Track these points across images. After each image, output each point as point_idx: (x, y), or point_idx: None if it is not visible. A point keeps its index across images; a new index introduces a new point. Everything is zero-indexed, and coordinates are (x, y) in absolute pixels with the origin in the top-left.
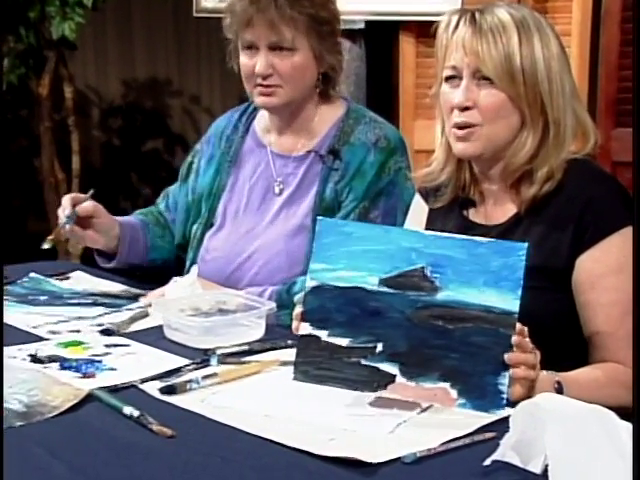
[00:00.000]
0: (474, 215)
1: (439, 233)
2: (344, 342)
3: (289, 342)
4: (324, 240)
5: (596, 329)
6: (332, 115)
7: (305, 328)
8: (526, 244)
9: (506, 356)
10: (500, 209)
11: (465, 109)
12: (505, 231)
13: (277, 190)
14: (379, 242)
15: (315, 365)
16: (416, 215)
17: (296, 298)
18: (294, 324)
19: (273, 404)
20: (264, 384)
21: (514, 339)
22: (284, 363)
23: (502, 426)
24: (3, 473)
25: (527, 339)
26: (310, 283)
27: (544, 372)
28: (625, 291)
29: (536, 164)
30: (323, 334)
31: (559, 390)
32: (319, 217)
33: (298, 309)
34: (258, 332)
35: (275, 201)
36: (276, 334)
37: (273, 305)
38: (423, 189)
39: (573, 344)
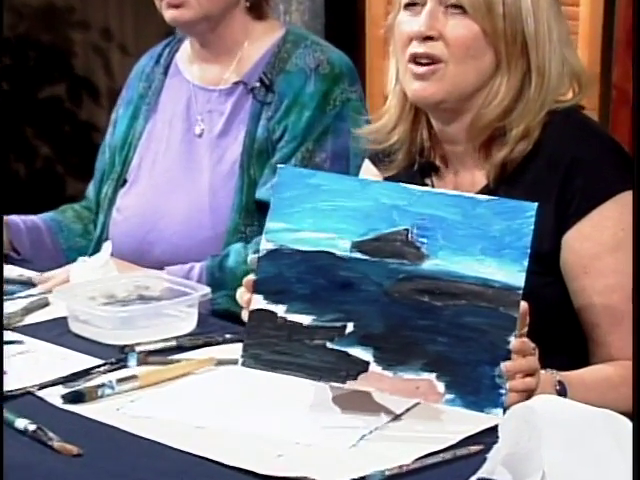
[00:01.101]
0: (439, 184)
1: (428, 188)
2: (306, 320)
3: (228, 336)
4: (285, 194)
5: (596, 321)
6: (266, 38)
7: (258, 301)
8: (536, 204)
9: (503, 365)
10: (469, 176)
11: (427, 39)
12: None
13: (198, 131)
14: (353, 197)
15: (269, 348)
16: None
17: (249, 258)
18: (243, 296)
19: (207, 413)
20: (196, 388)
21: (514, 344)
22: (221, 362)
23: (490, 437)
24: (3, 472)
25: (526, 340)
26: (266, 245)
27: (542, 371)
28: (626, 273)
29: (510, 121)
30: (280, 309)
31: (561, 392)
32: (280, 165)
33: (250, 277)
34: (188, 324)
35: (196, 145)
36: (211, 326)
37: (207, 290)
38: (373, 153)
39: (568, 336)
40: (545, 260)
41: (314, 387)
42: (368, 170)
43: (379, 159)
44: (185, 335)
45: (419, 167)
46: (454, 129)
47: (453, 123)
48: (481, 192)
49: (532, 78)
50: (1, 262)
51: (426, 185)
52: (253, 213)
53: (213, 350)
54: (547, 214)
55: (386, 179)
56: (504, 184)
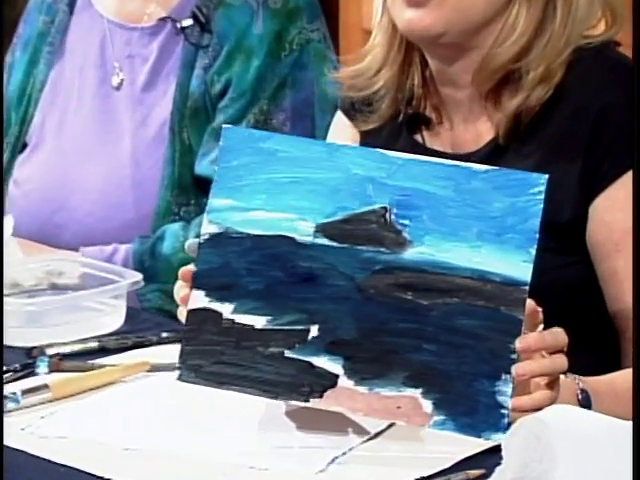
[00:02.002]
0: (432, 139)
1: (412, 155)
2: (259, 322)
3: (164, 335)
4: (232, 162)
5: (630, 313)
6: None
7: (198, 299)
8: (546, 176)
9: (513, 368)
10: (472, 130)
11: None
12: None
13: (115, 82)
14: (318, 167)
15: (213, 357)
16: (338, 139)
17: (187, 244)
18: (180, 291)
19: (137, 432)
20: (123, 401)
21: (519, 343)
22: (156, 368)
23: (492, 458)
24: (3, 471)
25: (540, 330)
26: (208, 228)
27: (562, 376)
28: None
29: (528, 61)
30: (226, 309)
31: (585, 403)
32: (225, 126)
33: (189, 268)
34: (114, 320)
35: (114, 100)
36: (143, 322)
37: (138, 277)
38: (347, 102)
39: (595, 331)
40: (567, 234)
41: (268, 407)
42: (340, 124)
43: (355, 109)
44: (110, 334)
45: (406, 119)
46: (457, 70)
47: (456, 62)
48: (486, 149)
49: (557, 7)
50: (1, 261)
51: (415, 142)
52: (189, 190)
53: (145, 353)
54: (571, 177)
55: (364, 135)
56: (516, 140)
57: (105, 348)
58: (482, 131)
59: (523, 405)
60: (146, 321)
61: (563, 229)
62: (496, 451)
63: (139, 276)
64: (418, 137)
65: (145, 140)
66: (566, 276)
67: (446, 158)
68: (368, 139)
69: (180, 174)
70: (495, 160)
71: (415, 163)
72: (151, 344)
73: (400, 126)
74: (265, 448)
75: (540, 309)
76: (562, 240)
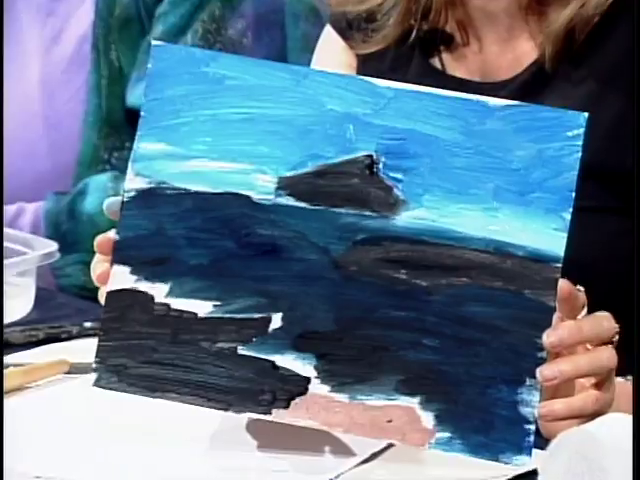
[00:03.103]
0: (454, 64)
1: (407, 85)
2: (203, 309)
3: (87, 325)
4: (165, 92)
5: None
6: None
7: (120, 277)
8: (586, 114)
9: (539, 371)
10: (508, 51)
11: None
12: (515, 96)
13: None
14: (280, 100)
15: (141, 356)
16: (326, 66)
17: (106, 203)
18: (96, 267)
19: (52, 455)
20: (33, 414)
21: (547, 337)
22: (76, 369)
23: None
24: (3, 470)
25: (583, 317)
26: (134, 183)
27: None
28: None
29: None
30: (159, 291)
31: None
32: (154, 42)
33: (108, 235)
34: (21, 305)
35: (14, 12)
36: (60, 308)
37: (52, 246)
38: (341, 17)
39: None
40: (628, 186)
41: (218, 421)
42: (331, 44)
43: (352, 26)
44: (14, 324)
45: (420, 38)
46: None
47: None
48: (525, 76)
49: None
50: (1, 261)
51: (431, 68)
52: (121, 128)
53: (63, 348)
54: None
55: (363, 59)
56: (567, 63)
57: (8, 342)
58: (521, 53)
59: (556, 411)
60: (63, 306)
61: (622, 177)
62: (522, 479)
63: (53, 245)
64: (435, 61)
65: (59, 64)
66: (622, 247)
67: (472, 88)
68: (368, 65)
69: (109, 108)
70: (537, 90)
71: (411, 95)
72: (70, 337)
73: (411, 48)
74: (216, 475)
75: (581, 289)
76: (618, 196)
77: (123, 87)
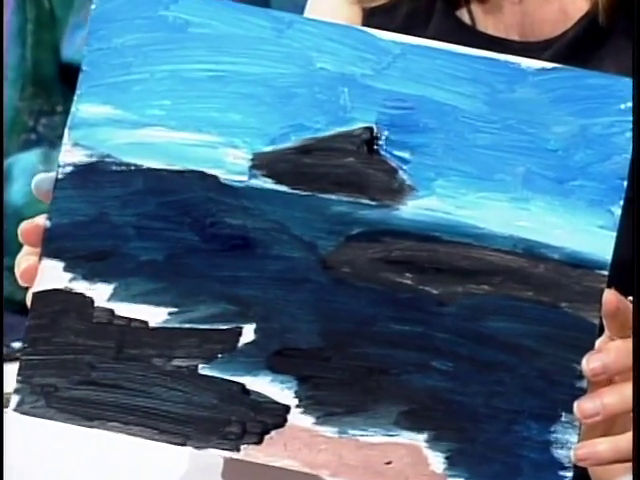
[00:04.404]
0: (487, 19)
1: (415, 39)
2: (156, 317)
3: (15, 346)
4: (112, 42)
5: None
6: None
7: (50, 275)
8: (629, 80)
9: (577, 404)
10: (553, 3)
11: None
12: (563, 57)
13: None
14: (256, 54)
15: (75, 374)
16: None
17: (35, 180)
18: (22, 262)
19: None
20: None
21: (588, 363)
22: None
23: None
24: (3, 471)
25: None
26: (70, 155)
27: None
28: None
29: None
30: (100, 293)
31: None
32: None
33: (36, 221)
34: None
35: None
36: None
37: None
38: None
39: None
40: None
41: (173, 459)
42: None
43: None
44: None
45: None
46: None
47: None
48: (574, 33)
49: None
50: (1, 261)
51: (459, 24)
52: (52, 88)
53: None
54: None
55: (369, 14)
56: (626, 19)
57: None
58: (570, 5)
59: (599, 453)
60: None
61: None
62: None
63: None
64: (463, 14)
65: None
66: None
67: (509, 49)
68: (376, 22)
69: (36, 60)
70: (589, 50)
71: (423, 52)
72: None
73: (432, 2)
74: None
75: (627, 301)
76: None
77: (55, 35)
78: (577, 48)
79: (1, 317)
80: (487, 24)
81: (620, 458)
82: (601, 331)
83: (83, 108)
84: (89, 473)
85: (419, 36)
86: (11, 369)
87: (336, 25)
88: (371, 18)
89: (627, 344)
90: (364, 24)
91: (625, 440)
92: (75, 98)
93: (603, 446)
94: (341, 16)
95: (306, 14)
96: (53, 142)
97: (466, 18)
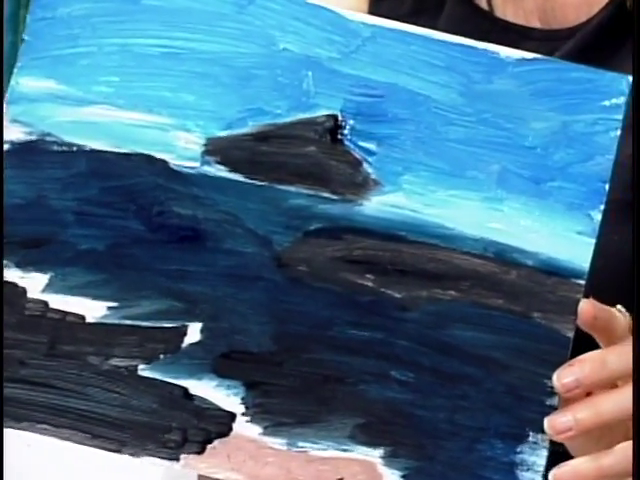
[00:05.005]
0: (506, 5)
1: (387, 22)
2: (93, 311)
3: None
4: (59, 10)
5: None
6: None
7: None
8: (629, 77)
9: (547, 421)
10: None
11: None
12: (587, 45)
13: None
14: (214, 31)
15: (5, 371)
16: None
17: None
18: None
19: None
20: None
21: (558, 378)
22: None
23: None
24: (3, 472)
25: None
26: (7, 133)
27: None
28: None
29: None
30: (34, 283)
31: None
32: None
33: None
34: None
35: None
36: None
37: None
38: None
39: None
40: None
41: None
42: None
43: None
44: None
45: None
46: None
47: None
48: (600, 20)
49: None
50: (1, 261)
51: (475, 9)
52: None
53: None
54: None
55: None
56: None
57: None
58: None
59: (581, 472)
60: None
61: None
62: None
63: None
64: (482, 2)
65: None
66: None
67: (529, 37)
68: (382, 6)
69: None
70: (617, 39)
71: (395, 36)
72: None
73: None
74: None
75: (622, 310)
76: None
77: None
78: (603, 36)
79: (1, 315)
80: (506, 10)
81: (603, 476)
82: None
83: (23, 82)
84: (89, 473)
85: (431, 22)
86: None
87: (302, 3)
88: (380, 2)
89: (600, 354)
90: (372, 10)
91: (607, 456)
92: (15, 70)
93: (586, 465)
94: (347, 1)
95: None
96: None
97: (483, 3)
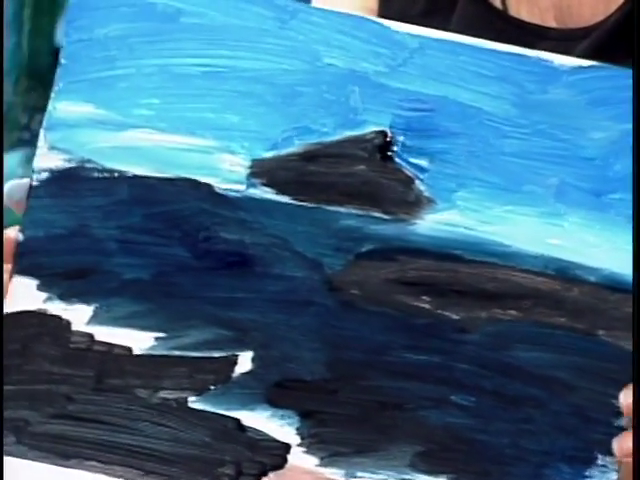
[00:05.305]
0: (521, 5)
1: (436, 32)
2: (140, 343)
3: None
4: (95, 31)
5: None
6: None
7: (24, 293)
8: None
9: (615, 442)
10: None
11: None
12: (604, 46)
13: None
14: (255, 47)
15: (50, 407)
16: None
17: (7, 187)
18: None
19: None
20: None
21: (625, 397)
22: None
23: None
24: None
25: None
26: (46, 160)
27: None
28: None
29: None
30: (78, 315)
31: None
32: None
33: (8, 233)
34: None
35: None
36: None
37: None
38: None
39: None
40: None
41: None
42: None
43: None
44: None
45: None
46: None
47: None
48: (619, 18)
49: None
50: (1, 262)
51: (488, 8)
52: (49, 84)
53: None
54: None
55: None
56: None
57: None
58: None
59: None
60: None
61: None
62: None
63: None
64: (496, 1)
65: None
66: None
67: (544, 36)
68: (393, 6)
69: (33, 50)
70: (632, 36)
71: (444, 47)
72: None
73: None
74: None
75: None
76: None
77: (55, 22)
78: (619, 35)
79: (1, 315)
80: (520, 8)
81: None
82: None
83: (61, 107)
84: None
85: (443, 22)
86: None
87: (346, 15)
88: (390, 2)
89: None
90: (382, 9)
91: None
92: (52, 95)
93: None
94: (354, 1)
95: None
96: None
97: (497, 2)
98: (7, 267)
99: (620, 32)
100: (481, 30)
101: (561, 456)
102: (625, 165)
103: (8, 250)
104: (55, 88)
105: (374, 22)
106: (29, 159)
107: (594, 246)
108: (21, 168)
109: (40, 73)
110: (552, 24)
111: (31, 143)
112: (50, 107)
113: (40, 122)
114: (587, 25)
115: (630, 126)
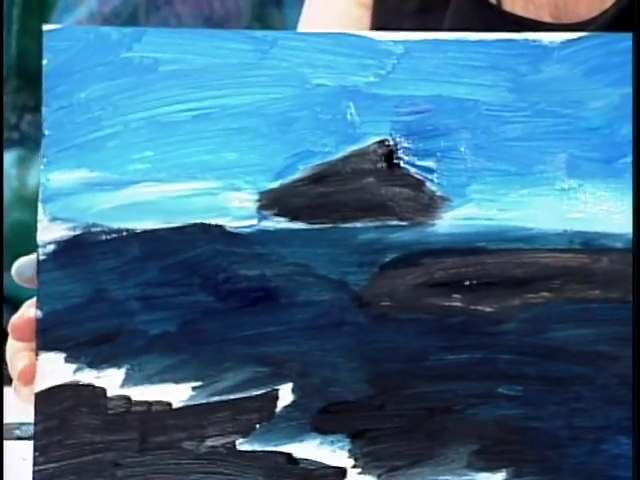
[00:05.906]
0: (517, 2)
1: (417, 33)
2: (179, 395)
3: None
4: (75, 95)
5: None
6: None
7: (52, 368)
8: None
9: None
10: None
11: None
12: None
13: None
14: (242, 81)
15: (99, 476)
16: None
17: (16, 267)
18: (15, 360)
19: None
20: None
21: None
22: None
23: None
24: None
25: None
26: (49, 233)
27: None
28: None
29: None
30: (111, 379)
31: None
32: (46, 27)
33: (26, 315)
34: None
35: None
36: None
37: None
38: None
39: None
40: None
41: None
42: None
43: None
44: None
45: None
46: None
47: None
48: (615, 12)
49: None
50: (1, 261)
51: (483, 4)
52: (39, 84)
53: None
54: None
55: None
56: None
57: None
58: None
59: None
60: None
61: None
62: None
63: None
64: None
65: None
66: None
67: (540, 31)
68: (389, 4)
69: (22, 50)
70: (628, 32)
71: (429, 47)
72: None
73: None
74: None
75: None
76: None
77: (44, 22)
78: (615, 30)
79: (1, 317)
80: (515, 3)
81: None
82: None
83: (54, 177)
84: None
85: (437, 18)
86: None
87: (325, 34)
88: (384, 1)
89: None
90: (376, 7)
91: None
92: (42, 167)
93: None
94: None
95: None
96: (38, 141)
97: (496, 1)
98: (31, 346)
99: (616, 27)
100: (475, 26)
101: (617, 428)
102: (630, 128)
103: (30, 331)
104: (44, 160)
105: (355, 36)
106: (22, 159)
107: (615, 212)
108: (15, 169)
109: (29, 73)
110: (547, 20)
111: (21, 143)
112: (43, 179)
113: (29, 122)
114: (582, 20)
115: (630, 89)
